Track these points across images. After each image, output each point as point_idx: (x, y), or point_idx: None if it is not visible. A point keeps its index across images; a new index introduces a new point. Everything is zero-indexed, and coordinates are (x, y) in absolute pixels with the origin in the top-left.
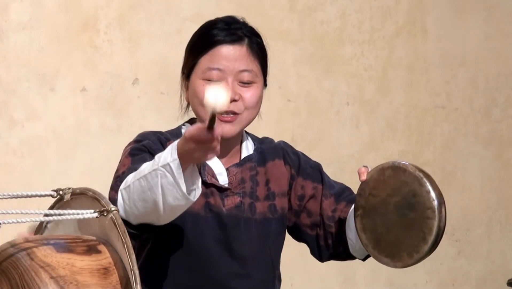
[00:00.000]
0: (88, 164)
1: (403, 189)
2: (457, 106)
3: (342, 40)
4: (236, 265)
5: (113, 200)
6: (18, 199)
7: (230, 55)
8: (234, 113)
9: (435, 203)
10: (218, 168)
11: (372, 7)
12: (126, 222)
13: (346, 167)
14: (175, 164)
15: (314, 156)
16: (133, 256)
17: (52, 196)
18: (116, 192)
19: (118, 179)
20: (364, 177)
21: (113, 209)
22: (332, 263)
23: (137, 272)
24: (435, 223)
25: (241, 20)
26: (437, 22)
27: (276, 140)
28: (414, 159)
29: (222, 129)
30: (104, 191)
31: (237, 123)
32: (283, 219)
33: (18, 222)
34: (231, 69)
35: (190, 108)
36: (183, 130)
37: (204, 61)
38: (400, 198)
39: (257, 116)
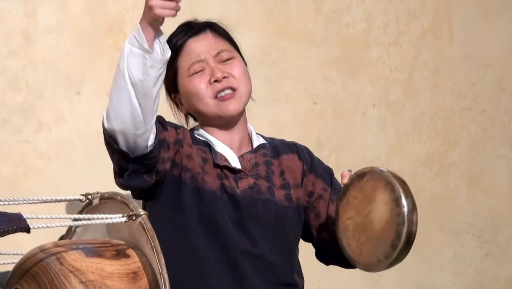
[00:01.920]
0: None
1: (378, 194)
2: (483, 108)
3: (368, 43)
4: (250, 244)
5: (102, 121)
6: (46, 203)
7: (201, 44)
8: (231, 88)
9: (405, 209)
10: (230, 155)
11: (398, 9)
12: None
13: None
14: (136, 31)
15: (340, 158)
16: (162, 260)
17: (81, 200)
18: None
19: None
20: (345, 181)
21: (142, 213)
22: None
23: (166, 276)
24: (404, 230)
25: (195, 19)
26: (463, 23)
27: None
28: (441, 161)
29: (229, 107)
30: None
31: (237, 97)
32: (299, 210)
33: (47, 226)
34: (208, 56)
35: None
36: (195, 134)
37: (183, 62)
38: (375, 203)
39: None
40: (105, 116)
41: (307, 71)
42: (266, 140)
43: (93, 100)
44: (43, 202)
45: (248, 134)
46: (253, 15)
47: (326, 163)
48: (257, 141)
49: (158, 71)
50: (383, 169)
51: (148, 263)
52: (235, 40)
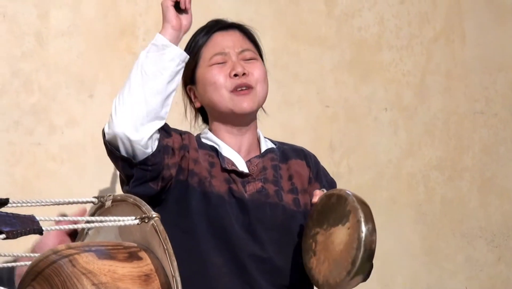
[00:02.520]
0: None
1: (341, 218)
2: (496, 112)
3: (380, 46)
4: (257, 248)
5: (103, 130)
6: (59, 205)
7: (227, 39)
8: (249, 86)
9: (362, 235)
10: (236, 159)
11: (410, 12)
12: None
13: (384, 173)
14: (152, 40)
15: (352, 162)
16: (175, 263)
17: (93, 202)
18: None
19: None
20: (315, 200)
21: (154, 215)
22: None
23: (178, 278)
24: (359, 255)
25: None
26: (475, 27)
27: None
28: (453, 165)
29: (243, 103)
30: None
31: (253, 96)
32: (305, 215)
33: (60, 228)
34: (233, 51)
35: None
36: (202, 138)
37: (206, 52)
38: (338, 226)
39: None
40: (106, 125)
41: (319, 74)
42: (275, 145)
43: (105, 103)
44: (55, 204)
45: (257, 139)
46: (265, 19)
47: (337, 167)
48: (265, 146)
49: (177, 66)
50: (349, 193)
51: (161, 266)
52: (260, 45)
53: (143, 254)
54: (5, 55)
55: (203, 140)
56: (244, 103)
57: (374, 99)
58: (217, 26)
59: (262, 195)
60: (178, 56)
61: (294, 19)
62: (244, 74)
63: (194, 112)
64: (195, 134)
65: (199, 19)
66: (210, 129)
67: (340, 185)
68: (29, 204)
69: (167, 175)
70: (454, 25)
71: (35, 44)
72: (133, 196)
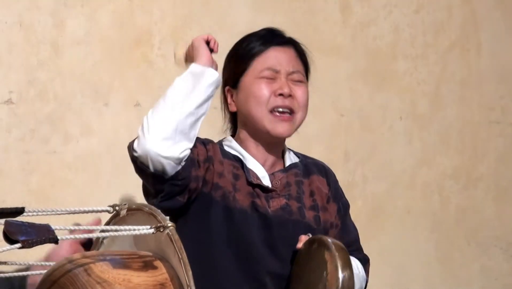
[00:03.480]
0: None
1: (321, 265)
2: (511, 121)
3: (395, 55)
4: (278, 265)
5: (131, 145)
6: (75, 214)
7: (282, 56)
8: (291, 110)
9: (339, 282)
10: (261, 172)
11: (425, 21)
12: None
13: (398, 182)
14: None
15: (366, 171)
16: (190, 272)
17: (108, 211)
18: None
19: None
20: (299, 245)
21: (169, 224)
22: (384, 280)
23: (193, 288)
24: None
25: (280, 29)
26: (491, 36)
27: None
28: (468, 174)
29: (281, 128)
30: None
31: (292, 123)
32: (325, 233)
33: (75, 237)
34: (284, 70)
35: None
36: (225, 146)
37: (258, 63)
38: (318, 273)
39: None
40: (135, 143)
41: (334, 83)
42: (298, 157)
43: (121, 112)
44: (71, 213)
45: (282, 152)
46: (281, 28)
47: (352, 176)
48: (289, 159)
49: (213, 91)
50: (329, 240)
51: (176, 275)
52: (310, 68)
53: (158, 263)
54: (21, 64)
55: (226, 148)
56: (281, 128)
57: (389, 108)
58: (275, 39)
59: (286, 212)
60: (215, 82)
61: (310, 29)
62: (289, 95)
63: (224, 114)
64: (217, 139)
65: (214, 27)
66: (236, 138)
67: (355, 194)
68: (44, 213)
69: (194, 187)
70: (470, 35)
71: (51, 53)
72: (148, 205)
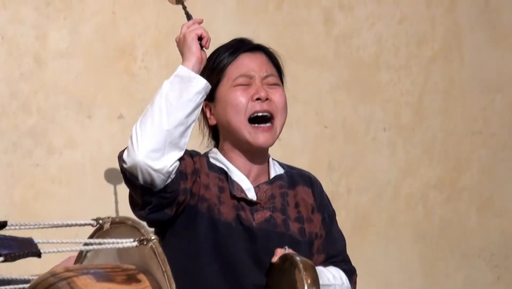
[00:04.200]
0: (125, 191)
1: (291, 283)
2: (494, 132)
3: (378, 66)
4: (263, 277)
5: (120, 156)
6: (58, 228)
7: (254, 61)
8: (270, 113)
9: None
10: (246, 184)
11: (408, 32)
12: (148, 190)
13: (382, 193)
14: (175, 72)
15: (350, 182)
16: (173, 285)
17: (92, 225)
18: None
19: None
20: (274, 259)
21: (153, 238)
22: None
23: None
24: None
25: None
26: (473, 47)
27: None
28: (452, 185)
29: (262, 138)
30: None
31: (273, 132)
32: (310, 244)
33: (58, 251)
34: (258, 75)
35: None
36: (211, 158)
37: (231, 71)
38: (288, 286)
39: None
40: (125, 153)
41: (318, 94)
42: (284, 168)
43: (104, 124)
44: (54, 227)
45: (267, 162)
46: (264, 39)
47: (336, 187)
48: (274, 171)
49: (202, 98)
50: (298, 258)
51: (159, 288)
52: (283, 71)
53: (141, 276)
54: (3, 77)
55: (212, 160)
56: (262, 138)
57: (372, 119)
58: (244, 47)
59: (270, 224)
60: (204, 89)
61: (293, 40)
62: (267, 99)
63: (207, 129)
64: (203, 152)
65: None
66: (220, 149)
67: (339, 205)
68: (27, 227)
69: (182, 199)
70: (452, 46)
71: (34, 66)
72: (132, 218)
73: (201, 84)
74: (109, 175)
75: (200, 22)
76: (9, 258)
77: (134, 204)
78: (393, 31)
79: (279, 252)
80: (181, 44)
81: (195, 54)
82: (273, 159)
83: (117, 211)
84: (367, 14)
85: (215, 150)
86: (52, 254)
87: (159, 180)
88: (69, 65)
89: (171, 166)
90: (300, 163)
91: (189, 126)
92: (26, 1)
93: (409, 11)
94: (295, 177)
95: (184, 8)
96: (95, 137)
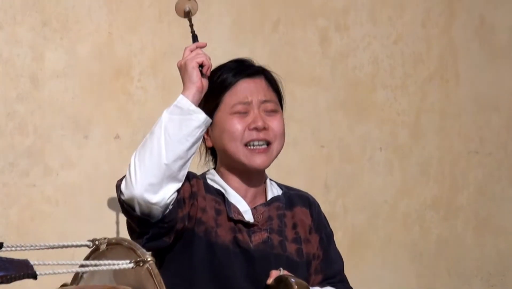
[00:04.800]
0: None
1: None
2: (490, 151)
3: (375, 86)
4: None
5: (118, 185)
6: (54, 249)
7: (253, 88)
8: (267, 142)
9: None
10: (243, 206)
11: (404, 52)
12: (144, 222)
13: (379, 213)
14: (176, 101)
15: (347, 202)
16: None
17: (88, 246)
18: (121, 180)
19: None
20: (269, 281)
21: (149, 259)
22: None
23: None
24: None
25: (250, 59)
26: (469, 67)
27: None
28: (448, 205)
29: (258, 160)
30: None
31: (269, 154)
32: (308, 265)
33: (54, 273)
34: (256, 100)
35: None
36: (208, 180)
37: (229, 98)
38: None
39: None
40: (123, 185)
41: (314, 114)
42: (282, 189)
43: (101, 144)
44: (50, 248)
45: (264, 184)
46: (261, 59)
47: (333, 207)
48: (271, 192)
49: (202, 132)
50: (293, 280)
51: None
52: (283, 94)
53: None
54: (0, 97)
55: (209, 182)
56: (258, 160)
57: (369, 139)
58: (244, 71)
59: (268, 246)
60: (204, 123)
61: (289, 60)
62: (264, 128)
63: (204, 149)
64: (200, 172)
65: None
66: (218, 171)
67: (336, 225)
68: (23, 248)
69: (180, 227)
70: (448, 65)
71: (30, 86)
72: (128, 240)
73: (201, 118)
74: (106, 195)
75: (203, 47)
76: (5, 280)
77: (132, 231)
78: (389, 51)
79: (274, 274)
80: (182, 70)
81: (195, 84)
82: (270, 180)
83: (113, 231)
84: (363, 34)
85: (212, 171)
86: (48, 276)
87: (157, 212)
88: (65, 85)
89: (169, 198)
90: (297, 182)
91: (188, 160)
92: (23, 22)
93: (405, 31)
94: (293, 198)
95: (191, 26)
96: (92, 157)
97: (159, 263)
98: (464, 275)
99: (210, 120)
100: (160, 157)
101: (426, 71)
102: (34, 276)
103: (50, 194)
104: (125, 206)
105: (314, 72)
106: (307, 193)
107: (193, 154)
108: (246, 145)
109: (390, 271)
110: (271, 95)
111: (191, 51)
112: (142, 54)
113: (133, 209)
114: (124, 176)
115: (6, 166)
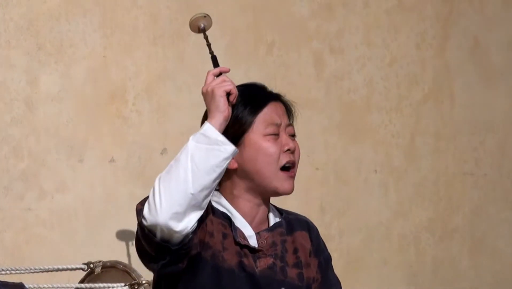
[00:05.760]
0: (117, 234)
1: None
2: (485, 172)
3: (369, 108)
4: None
5: (140, 210)
6: (49, 272)
7: (280, 110)
8: (294, 164)
9: None
10: (248, 231)
11: (399, 74)
12: (163, 247)
13: (374, 235)
14: (203, 129)
15: (342, 223)
16: None
17: (83, 269)
18: (144, 201)
19: (145, 197)
20: None
21: (144, 282)
22: None
23: None
24: None
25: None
26: (464, 88)
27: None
28: (443, 226)
29: (288, 185)
30: (133, 262)
31: (294, 179)
32: None
33: None
34: (283, 123)
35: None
36: (213, 202)
37: (262, 118)
38: None
39: None
40: (146, 210)
41: (309, 136)
42: (281, 214)
43: (95, 168)
44: (44, 271)
45: (268, 209)
46: (255, 81)
47: (328, 229)
48: (273, 218)
49: (229, 163)
50: None
51: None
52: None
53: None
54: None
55: (215, 204)
56: (288, 185)
57: (363, 161)
58: (270, 95)
59: (273, 272)
60: (232, 154)
61: (284, 82)
62: (294, 151)
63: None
64: None
65: (188, 83)
66: (227, 193)
67: (331, 247)
68: (18, 272)
69: (194, 252)
70: (443, 87)
71: (25, 110)
72: (122, 263)
73: (230, 150)
74: (101, 219)
75: (227, 72)
76: None
77: (144, 256)
78: (384, 73)
79: None
80: (208, 98)
81: (223, 113)
82: (271, 205)
83: (108, 255)
84: (357, 56)
85: (217, 193)
86: None
87: (177, 239)
88: (60, 109)
89: (191, 226)
90: (292, 205)
91: (213, 189)
92: (17, 46)
93: (399, 53)
94: (293, 222)
95: (208, 46)
96: (87, 181)
97: (164, 285)
98: None
99: (237, 151)
100: (186, 186)
101: (420, 93)
102: None
103: (45, 218)
104: (146, 232)
105: (309, 95)
106: (305, 217)
107: (217, 183)
108: (281, 168)
109: None
110: (290, 120)
111: (215, 75)
112: (136, 77)
113: (154, 235)
114: (144, 200)
115: (1, 190)
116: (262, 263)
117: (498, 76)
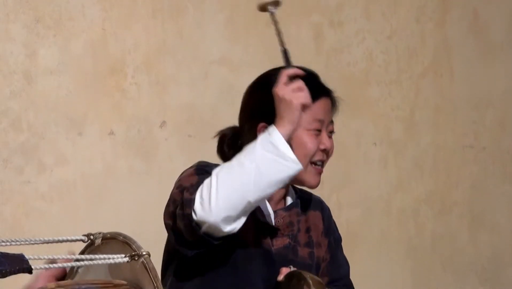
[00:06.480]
0: (117, 207)
1: None
2: (484, 146)
3: (369, 81)
4: None
5: (190, 200)
6: (48, 244)
7: (327, 107)
8: (323, 163)
9: None
10: (266, 209)
11: (398, 48)
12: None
13: (374, 208)
14: (275, 139)
15: (342, 197)
16: None
17: (83, 240)
18: (194, 191)
19: (194, 185)
20: (280, 278)
21: (144, 253)
22: None
23: None
24: None
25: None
26: (463, 62)
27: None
28: (442, 200)
29: (314, 181)
30: (134, 235)
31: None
32: (317, 268)
33: (49, 267)
34: (327, 121)
35: None
36: None
37: (310, 113)
38: None
39: None
40: (198, 206)
41: None
42: (296, 192)
43: (95, 141)
44: (44, 243)
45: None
46: (255, 57)
47: (327, 203)
48: (290, 198)
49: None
50: (307, 276)
51: None
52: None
53: None
54: None
55: None
56: (314, 181)
57: (363, 134)
58: (323, 89)
59: (288, 251)
60: (296, 172)
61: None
62: (328, 151)
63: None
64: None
65: (187, 57)
66: None
67: None
68: (18, 243)
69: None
70: (442, 60)
71: (24, 83)
72: (123, 234)
73: (296, 169)
74: (100, 192)
75: (302, 76)
76: (0, 274)
77: (181, 240)
78: (383, 46)
79: (284, 271)
80: (282, 104)
81: (293, 125)
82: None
83: (108, 228)
84: (357, 29)
85: None
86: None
87: (221, 236)
88: (59, 82)
89: (238, 228)
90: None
91: (266, 197)
92: (16, 19)
93: (399, 26)
94: (307, 202)
95: (278, 32)
96: (86, 154)
97: (177, 254)
98: (459, 270)
99: (302, 169)
100: (246, 194)
101: (420, 67)
102: (29, 270)
103: (44, 191)
104: (193, 224)
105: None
106: (319, 197)
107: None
108: (311, 162)
109: (384, 266)
110: (332, 116)
111: (289, 77)
112: (135, 51)
113: (200, 228)
114: (193, 189)
115: (0, 163)
116: (279, 242)
117: (498, 50)
